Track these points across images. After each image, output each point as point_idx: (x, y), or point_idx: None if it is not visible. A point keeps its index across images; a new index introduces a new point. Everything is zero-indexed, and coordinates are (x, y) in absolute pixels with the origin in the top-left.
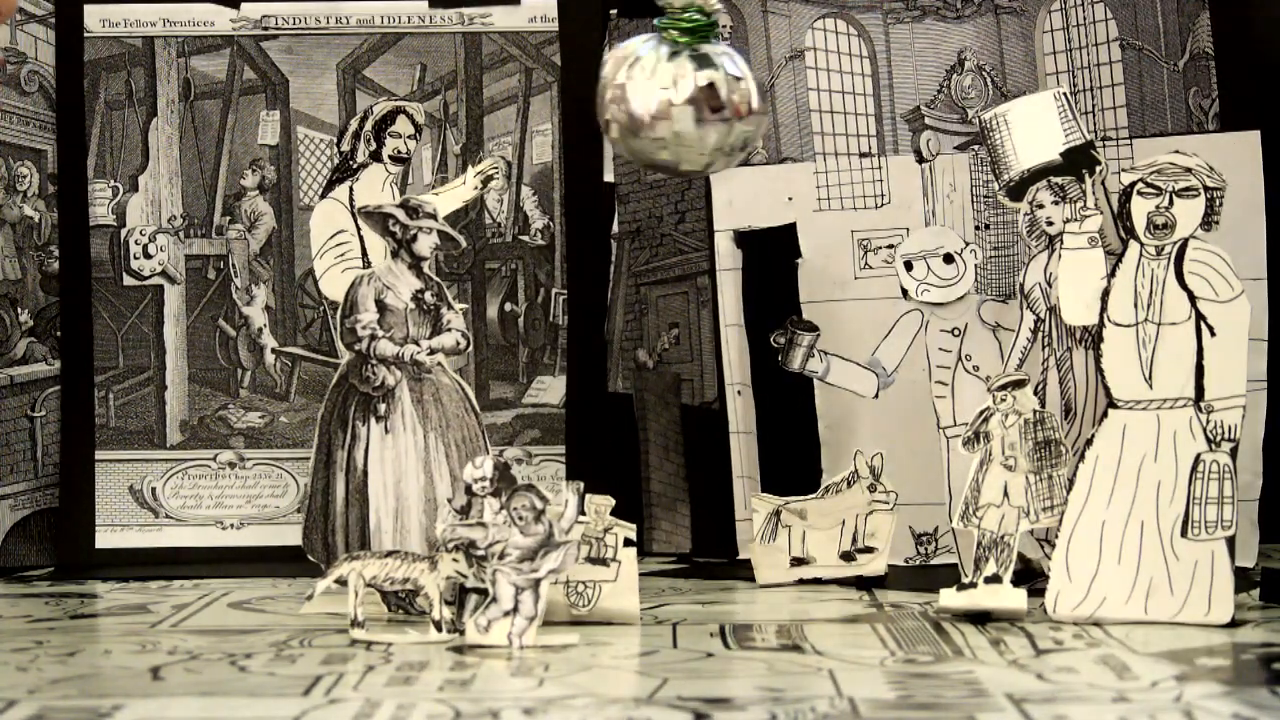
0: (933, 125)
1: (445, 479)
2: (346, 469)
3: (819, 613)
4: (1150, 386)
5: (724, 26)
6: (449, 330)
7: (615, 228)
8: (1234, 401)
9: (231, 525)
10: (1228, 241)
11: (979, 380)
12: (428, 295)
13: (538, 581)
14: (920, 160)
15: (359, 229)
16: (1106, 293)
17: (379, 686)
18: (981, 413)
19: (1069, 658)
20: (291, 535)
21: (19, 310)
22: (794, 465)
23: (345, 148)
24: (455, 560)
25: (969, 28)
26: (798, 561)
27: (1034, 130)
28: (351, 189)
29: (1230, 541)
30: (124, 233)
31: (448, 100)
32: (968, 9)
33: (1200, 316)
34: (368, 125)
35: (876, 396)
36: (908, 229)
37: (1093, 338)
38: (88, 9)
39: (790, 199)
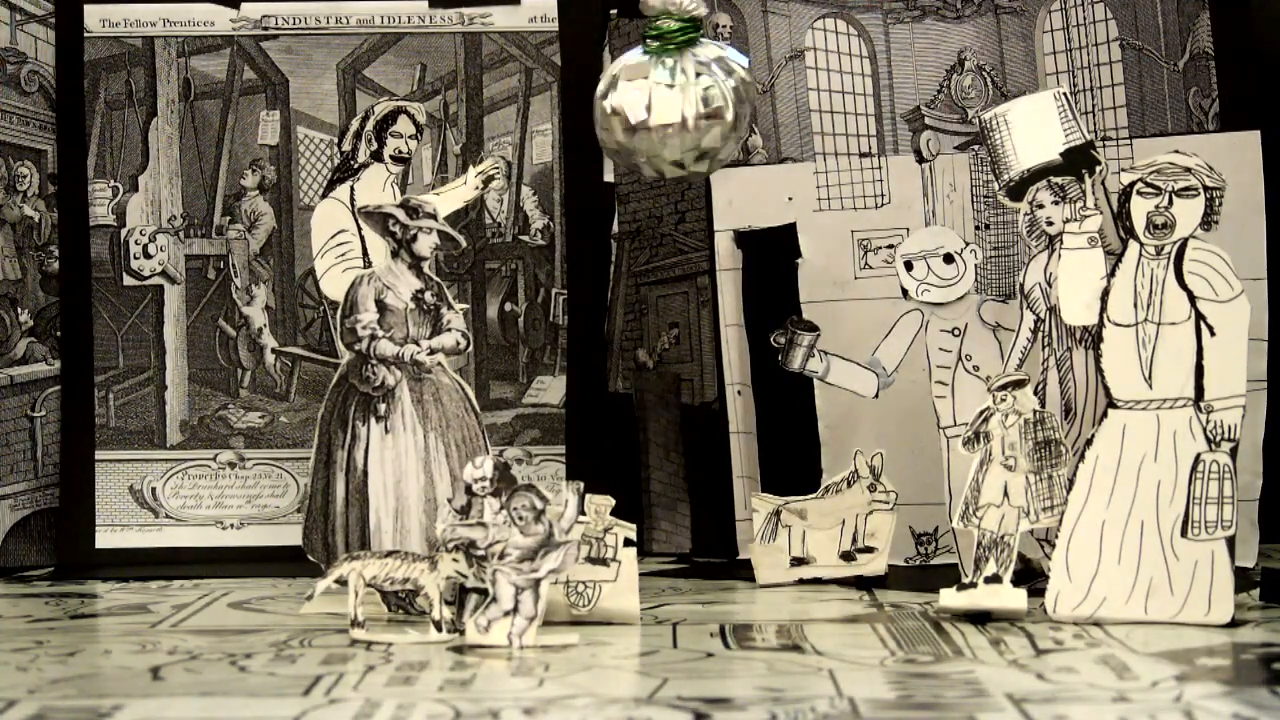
0: (933, 125)
1: (445, 479)
2: (346, 469)
3: (819, 613)
4: (1150, 386)
5: (724, 27)
6: (449, 330)
7: (615, 228)
8: (1234, 401)
9: (231, 525)
10: (1228, 241)
11: (979, 380)
12: (428, 295)
13: (538, 581)
14: (920, 160)
15: (360, 229)
16: (1106, 293)
17: (379, 686)
18: (981, 413)
19: (1069, 658)
20: (291, 535)
21: (19, 310)
22: (794, 465)
23: (346, 147)
24: (455, 560)
25: (969, 28)
26: (798, 561)
27: (1034, 130)
28: (353, 189)
29: (1230, 541)
30: (124, 233)
31: (448, 100)
32: (968, 9)
33: (1200, 316)
34: (369, 125)
35: (876, 396)
36: (908, 229)
37: (1093, 338)
38: (88, 9)
39: (790, 199)
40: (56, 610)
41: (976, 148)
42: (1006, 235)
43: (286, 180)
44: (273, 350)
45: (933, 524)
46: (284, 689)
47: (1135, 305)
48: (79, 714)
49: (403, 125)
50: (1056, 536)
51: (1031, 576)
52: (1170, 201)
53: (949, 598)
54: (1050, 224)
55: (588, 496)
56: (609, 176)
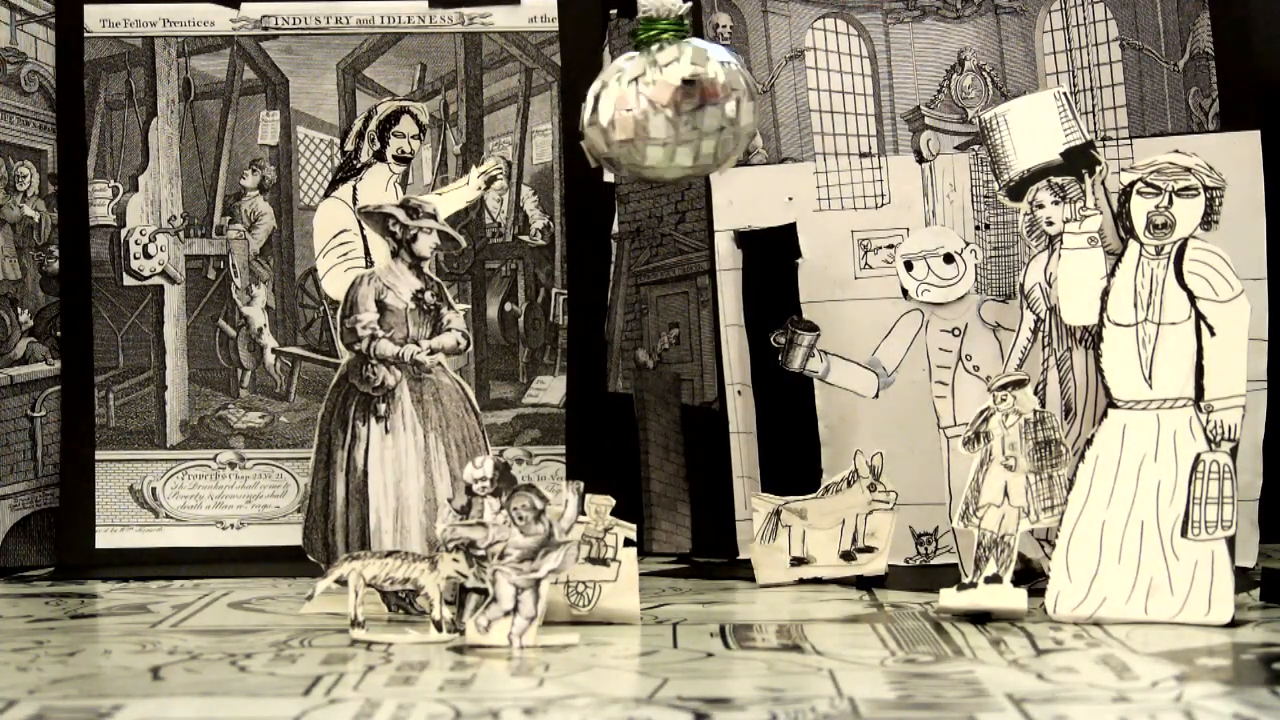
0: (933, 125)
1: (445, 479)
2: (347, 469)
3: (819, 613)
4: (1150, 386)
5: (724, 27)
6: (449, 330)
7: (615, 228)
8: (1234, 401)
9: (231, 525)
10: (1228, 241)
11: (979, 380)
12: (428, 295)
13: (538, 581)
14: (920, 160)
15: (362, 229)
16: (1106, 293)
17: (379, 686)
18: (981, 413)
19: (1069, 658)
20: (291, 535)
21: (19, 310)
22: (794, 465)
23: (349, 147)
24: (455, 560)
25: (969, 28)
26: (798, 561)
27: (1034, 130)
28: (355, 188)
29: (1230, 541)
30: (124, 233)
31: (448, 100)
32: (968, 9)
33: (1200, 316)
34: (372, 125)
35: (876, 396)
36: (908, 229)
37: (1093, 338)
38: (88, 9)
39: (790, 199)
40: (56, 610)
41: (976, 148)
42: (1006, 235)
43: (286, 180)
44: (273, 350)
45: (933, 524)
46: (284, 689)
47: (1135, 305)
48: (79, 714)
49: (406, 125)
50: (1056, 536)
51: (1031, 576)
52: (1170, 201)
53: (949, 598)
54: (1050, 224)
55: (588, 496)
56: (609, 176)
